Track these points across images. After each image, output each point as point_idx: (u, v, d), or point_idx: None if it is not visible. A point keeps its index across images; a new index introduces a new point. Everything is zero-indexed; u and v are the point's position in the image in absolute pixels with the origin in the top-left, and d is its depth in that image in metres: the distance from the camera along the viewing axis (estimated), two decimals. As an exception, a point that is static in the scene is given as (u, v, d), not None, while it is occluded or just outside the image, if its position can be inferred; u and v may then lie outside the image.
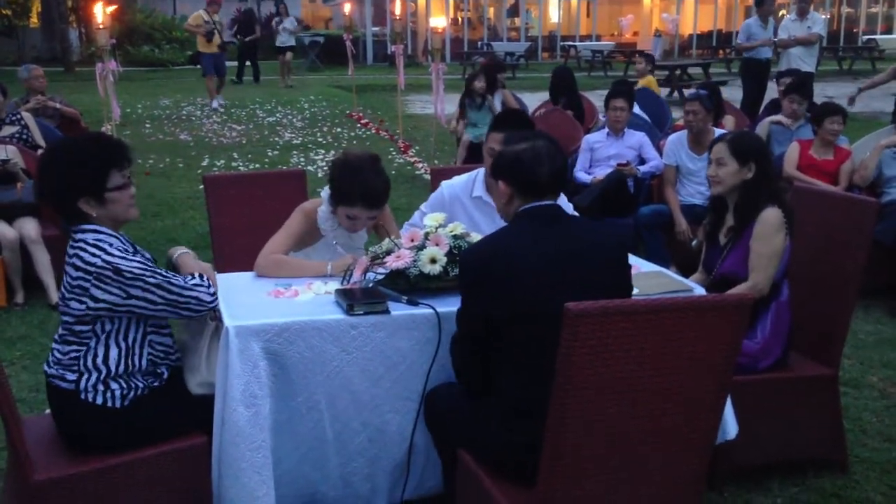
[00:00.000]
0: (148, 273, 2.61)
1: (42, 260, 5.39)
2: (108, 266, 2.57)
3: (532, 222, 2.54)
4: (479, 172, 3.62)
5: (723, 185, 3.37)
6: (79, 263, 2.60)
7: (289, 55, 19.64)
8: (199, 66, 15.81)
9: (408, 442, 2.91)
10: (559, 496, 2.27)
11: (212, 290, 2.74)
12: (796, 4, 10.18)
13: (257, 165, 9.90)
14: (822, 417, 3.38)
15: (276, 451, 2.75)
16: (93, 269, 2.57)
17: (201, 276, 2.77)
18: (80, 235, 2.66)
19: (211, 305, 2.73)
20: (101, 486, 2.60)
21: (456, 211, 3.57)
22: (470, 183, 3.62)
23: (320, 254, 3.36)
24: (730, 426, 3.05)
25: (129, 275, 2.58)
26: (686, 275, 5.09)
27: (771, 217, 3.24)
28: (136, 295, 2.59)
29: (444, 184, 3.65)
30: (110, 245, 2.62)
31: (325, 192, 3.31)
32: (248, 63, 19.68)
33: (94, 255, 2.58)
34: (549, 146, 2.62)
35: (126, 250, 2.66)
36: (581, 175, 6.27)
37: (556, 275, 2.44)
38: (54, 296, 5.31)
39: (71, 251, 2.65)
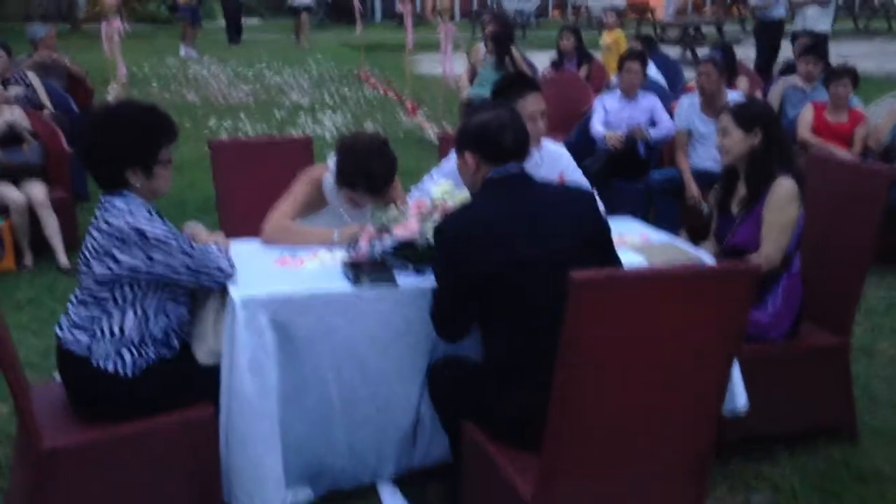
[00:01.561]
0: (171, 237, 2.62)
1: (50, 223, 5.38)
2: (132, 230, 2.58)
3: (502, 186, 2.62)
4: None
5: (730, 154, 3.32)
6: (104, 227, 2.62)
7: (304, 15, 19.19)
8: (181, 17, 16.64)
9: (414, 411, 2.91)
10: (565, 462, 2.26)
11: (230, 259, 2.76)
12: (811, -37, 9.98)
13: (265, 126, 9.84)
14: (833, 387, 3.37)
15: (283, 421, 2.75)
16: (117, 232, 2.59)
17: (218, 247, 2.77)
18: (110, 199, 2.67)
19: (230, 273, 2.75)
20: (109, 455, 2.62)
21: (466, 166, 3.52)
22: None
23: (327, 220, 3.32)
24: (739, 397, 3.04)
25: (153, 239, 2.59)
26: (697, 241, 5.07)
27: (784, 187, 3.19)
28: (159, 260, 2.60)
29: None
30: (138, 211, 2.64)
31: (332, 160, 3.27)
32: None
33: (118, 218, 2.61)
34: (511, 114, 2.72)
35: (150, 213, 2.67)
36: (597, 128, 6.17)
37: (532, 228, 2.52)
38: (62, 258, 5.32)
39: (98, 214, 2.67)
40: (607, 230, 2.69)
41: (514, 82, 3.54)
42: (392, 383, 2.86)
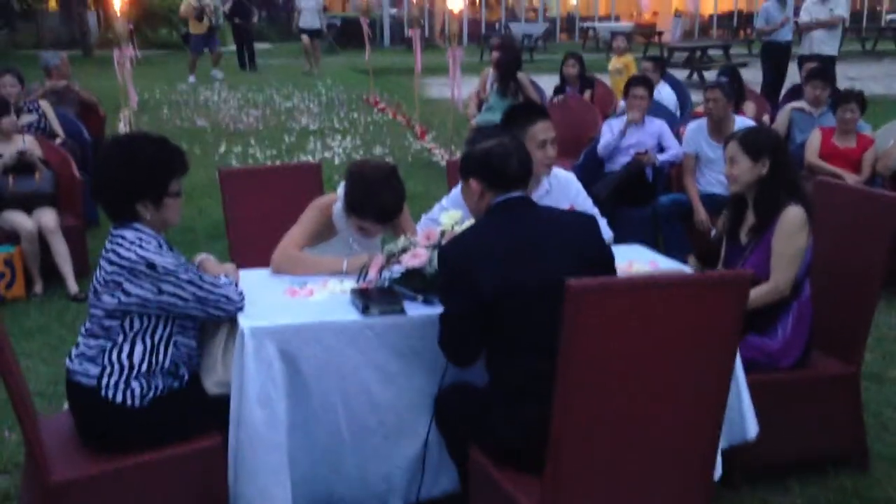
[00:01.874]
0: (181, 269, 2.65)
1: (60, 250, 5.41)
2: (141, 261, 2.61)
3: (506, 211, 2.68)
4: None
5: (738, 183, 3.32)
6: (114, 258, 2.64)
7: (305, 38, 18.60)
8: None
9: (423, 440, 2.90)
10: (567, 480, 2.26)
11: (240, 289, 2.79)
12: (818, -14, 10.02)
13: (274, 152, 9.89)
14: (843, 415, 3.35)
15: (292, 452, 2.75)
16: (127, 263, 2.61)
17: (228, 278, 2.80)
18: (119, 231, 2.70)
19: (239, 305, 2.77)
20: (117, 487, 2.62)
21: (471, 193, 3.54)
22: None
23: (336, 249, 3.34)
24: (750, 425, 3.02)
25: (161, 270, 2.61)
26: (706, 265, 5.06)
27: (793, 216, 3.19)
28: (168, 291, 2.62)
29: None
30: (147, 243, 2.66)
31: (342, 188, 3.29)
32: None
33: (129, 249, 2.63)
34: (514, 141, 2.79)
35: (161, 247, 2.69)
36: (604, 143, 6.18)
37: (533, 252, 2.57)
38: (73, 285, 5.34)
39: (108, 246, 2.70)
40: (609, 254, 2.73)
41: (524, 110, 3.57)
42: (400, 412, 2.86)
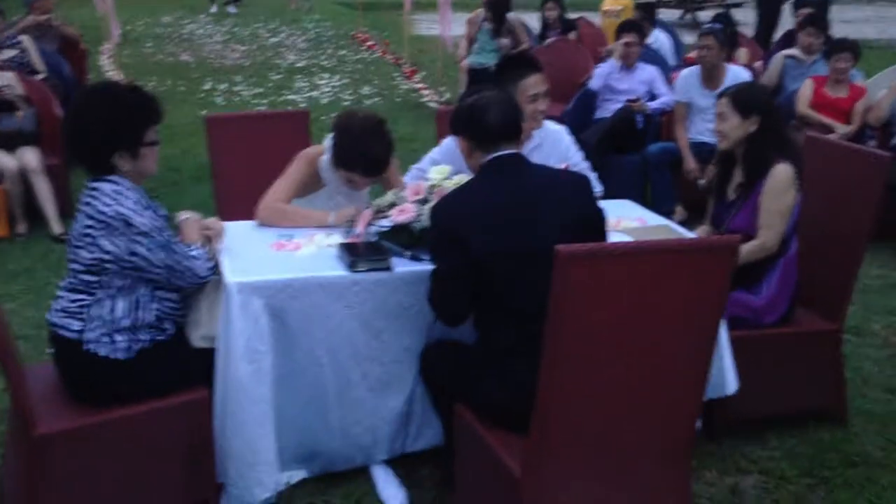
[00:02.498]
0: (155, 231, 2.61)
1: (43, 190, 5.35)
2: (119, 216, 2.57)
3: (496, 171, 2.64)
4: None
5: (727, 139, 3.30)
6: (90, 212, 2.60)
7: None
8: None
9: (408, 394, 2.93)
10: (553, 441, 2.29)
11: (209, 264, 2.75)
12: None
13: (260, 90, 9.74)
14: (824, 371, 3.39)
15: (277, 403, 2.77)
16: (103, 217, 2.57)
17: (203, 248, 2.76)
18: (97, 184, 2.65)
19: (204, 280, 2.74)
20: (104, 439, 2.62)
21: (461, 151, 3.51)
22: None
23: (323, 201, 3.31)
24: (730, 381, 3.06)
25: (136, 229, 2.57)
26: (693, 214, 5.06)
27: (782, 173, 3.18)
28: (139, 252, 2.59)
29: None
30: (126, 197, 2.62)
31: (328, 140, 3.25)
32: None
33: (107, 204, 2.58)
34: (498, 96, 2.73)
35: (139, 203, 2.64)
36: (596, 78, 6.10)
37: (524, 214, 2.54)
38: (56, 226, 5.30)
39: (85, 199, 2.65)
40: (601, 216, 2.70)
41: (515, 63, 3.51)
42: (386, 366, 2.87)
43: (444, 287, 2.63)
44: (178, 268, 2.66)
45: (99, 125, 2.61)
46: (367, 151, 3.12)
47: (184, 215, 2.93)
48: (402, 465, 3.04)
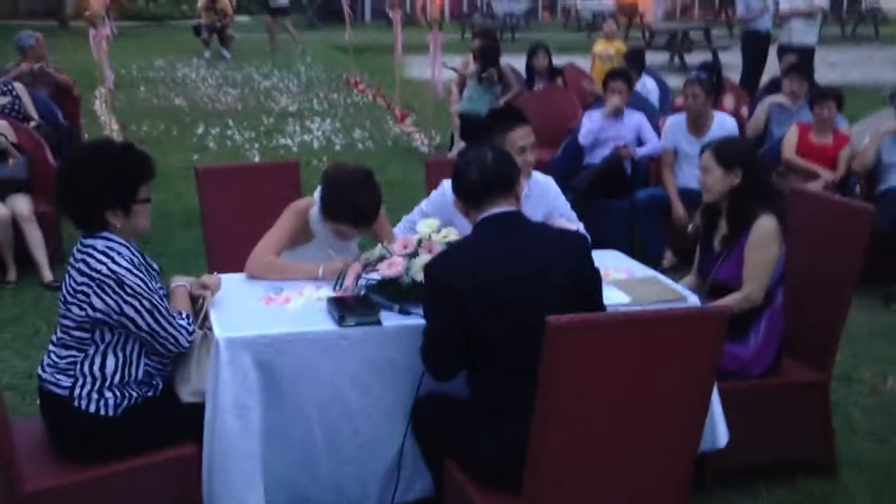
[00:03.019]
0: (146, 294, 2.62)
1: (34, 237, 5.36)
2: (112, 275, 2.58)
3: (491, 229, 2.64)
4: None
5: (711, 192, 3.36)
6: (84, 269, 2.61)
7: (286, 19, 18.09)
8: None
9: (398, 448, 2.92)
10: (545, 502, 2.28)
11: (191, 337, 2.76)
12: (798, -25, 10.03)
13: (252, 134, 9.81)
14: (812, 422, 3.40)
15: (266, 459, 2.76)
16: (97, 275, 2.59)
17: (188, 318, 2.78)
18: (89, 241, 2.67)
19: (184, 350, 2.75)
20: (91, 496, 2.62)
21: (457, 211, 3.54)
22: None
23: (313, 253, 3.33)
24: (720, 433, 3.07)
25: (129, 290, 2.59)
26: (682, 260, 5.09)
27: (765, 226, 3.22)
28: (127, 313, 2.61)
29: (446, 183, 3.56)
30: (119, 254, 2.63)
31: (318, 193, 3.28)
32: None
33: (100, 261, 2.60)
34: (481, 151, 2.74)
35: (133, 261, 2.65)
36: (585, 131, 6.15)
37: (520, 272, 2.53)
38: (47, 273, 5.30)
39: (78, 255, 2.66)
40: (597, 278, 2.70)
41: (503, 115, 3.57)
42: (376, 421, 2.87)
43: (437, 344, 2.63)
44: (162, 334, 2.68)
45: (92, 183, 2.63)
46: (356, 204, 3.15)
47: (176, 281, 2.93)
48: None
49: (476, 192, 2.66)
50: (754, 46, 10.50)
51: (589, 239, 2.78)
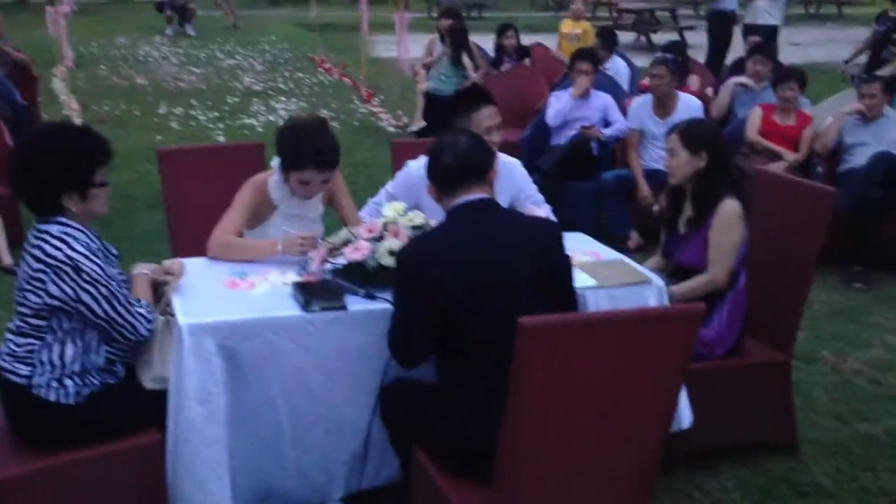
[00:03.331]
0: (103, 281, 2.58)
1: (-7, 220, 5.26)
2: (68, 261, 2.54)
3: (463, 215, 2.62)
4: None
5: (677, 175, 3.38)
6: (39, 255, 2.56)
7: None
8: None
9: (364, 433, 2.91)
10: (514, 495, 2.30)
11: (150, 326, 2.71)
12: (762, -44, 10.08)
13: (216, 114, 9.68)
14: (774, 402, 3.45)
15: (231, 445, 2.73)
16: (53, 261, 2.54)
17: (147, 306, 2.74)
18: (44, 227, 2.61)
19: (142, 339, 2.71)
20: (54, 485, 2.58)
21: (423, 192, 3.52)
22: None
23: (276, 229, 3.30)
24: (684, 415, 3.11)
25: (85, 276, 2.54)
26: (649, 241, 5.12)
27: (729, 209, 3.25)
28: (84, 300, 2.56)
29: (412, 164, 3.58)
30: (75, 240, 2.58)
31: (276, 161, 3.27)
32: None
33: (56, 248, 2.55)
34: (456, 137, 2.73)
35: (89, 247, 2.60)
36: (553, 112, 6.16)
37: (491, 260, 2.52)
38: (6, 257, 5.20)
39: (33, 241, 2.60)
40: (568, 266, 2.70)
41: (469, 96, 3.56)
42: (342, 407, 2.86)
43: (405, 330, 2.61)
44: (120, 321, 2.63)
45: (48, 167, 2.57)
46: (315, 144, 3.15)
47: (139, 269, 2.88)
48: (360, 501, 3.02)
49: (450, 178, 2.64)
50: (719, 26, 10.55)
51: (560, 227, 2.76)
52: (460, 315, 2.50)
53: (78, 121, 8.48)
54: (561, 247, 2.67)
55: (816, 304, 4.94)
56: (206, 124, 9.19)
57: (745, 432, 3.43)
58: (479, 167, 2.67)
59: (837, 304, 5.03)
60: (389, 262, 2.85)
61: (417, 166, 3.57)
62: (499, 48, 8.54)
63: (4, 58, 7.36)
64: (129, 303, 2.66)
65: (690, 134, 3.34)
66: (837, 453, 3.50)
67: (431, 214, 3.40)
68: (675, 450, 3.24)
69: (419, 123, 8.26)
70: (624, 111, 6.19)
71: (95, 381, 2.67)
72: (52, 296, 2.55)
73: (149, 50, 14.40)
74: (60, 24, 8.42)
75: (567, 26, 9.89)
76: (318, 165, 3.16)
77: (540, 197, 3.70)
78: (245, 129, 8.88)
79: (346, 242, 2.97)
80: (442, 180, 2.67)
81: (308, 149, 3.14)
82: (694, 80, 7.25)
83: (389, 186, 3.60)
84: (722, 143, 3.42)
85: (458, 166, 2.63)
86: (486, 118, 3.39)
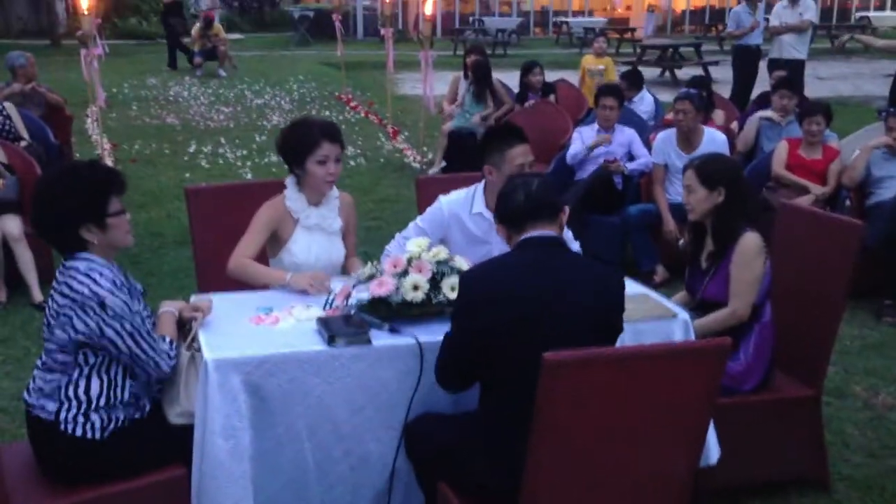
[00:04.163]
0: (127, 317, 2.61)
1: (25, 258, 5.33)
2: (94, 297, 2.57)
3: (530, 250, 2.61)
4: (478, 188, 3.60)
5: (695, 211, 3.37)
6: (66, 291, 2.60)
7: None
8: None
9: (389, 469, 2.90)
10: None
11: (172, 362, 2.74)
12: (788, -9, 10.11)
13: (245, 152, 9.80)
14: (805, 437, 3.39)
15: (256, 481, 2.73)
16: (79, 297, 2.58)
17: (171, 343, 2.77)
18: (71, 263, 2.66)
19: (165, 375, 2.75)
20: (79, 521, 2.59)
21: (453, 227, 3.56)
22: (469, 199, 3.58)
23: (300, 245, 3.47)
24: (712, 450, 3.06)
25: (111, 312, 2.58)
26: (675, 274, 5.09)
27: (750, 243, 3.23)
28: (108, 335, 2.59)
29: (443, 199, 3.61)
30: (101, 275, 2.62)
31: (289, 179, 3.49)
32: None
33: (82, 283, 2.59)
34: (527, 178, 2.74)
35: (115, 283, 2.64)
36: (572, 153, 6.18)
37: (548, 307, 2.48)
38: (37, 294, 5.27)
39: (60, 278, 2.65)
40: (621, 328, 2.65)
41: (503, 133, 3.57)
42: (366, 442, 2.85)
43: (454, 352, 2.61)
44: (143, 357, 2.66)
45: (60, 202, 2.63)
46: (318, 122, 3.45)
47: (166, 306, 2.92)
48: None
49: (521, 216, 2.63)
50: (744, 61, 10.56)
51: (623, 283, 2.69)
52: (507, 348, 2.48)
53: (109, 160, 8.63)
54: (621, 298, 2.62)
55: (847, 339, 4.88)
56: (234, 162, 9.31)
57: (775, 468, 3.37)
58: (551, 206, 2.68)
59: (868, 339, 4.95)
60: (413, 297, 2.86)
61: (448, 201, 3.60)
62: (524, 85, 8.60)
63: (38, 99, 7.53)
64: (152, 338, 2.69)
65: (707, 170, 3.33)
66: (871, 489, 3.44)
67: (457, 249, 3.43)
68: (704, 486, 3.20)
69: (440, 165, 8.33)
70: (648, 146, 6.20)
71: (121, 416, 2.69)
72: (77, 331, 2.58)
73: (179, 90, 14.65)
74: (93, 67, 8.58)
75: (589, 62, 10.01)
76: (329, 136, 3.37)
77: (569, 234, 3.69)
78: (272, 166, 8.97)
79: (371, 277, 2.98)
80: (513, 218, 2.66)
81: (314, 126, 3.41)
82: (719, 115, 7.26)
83: (419, 220, 3.64)
84: (739, 178, 3.41)
85: (531, 205, 2.63)
86: (518, 155, 3.40)
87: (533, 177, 2.75)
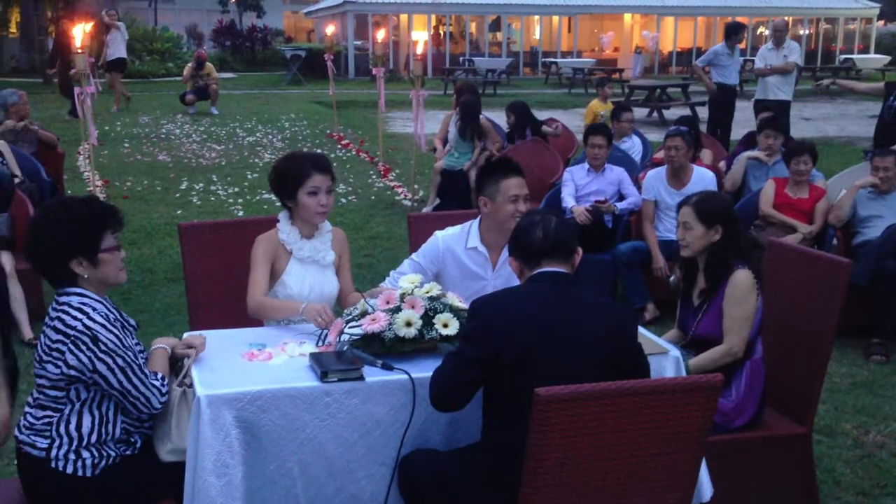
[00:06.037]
0: (119, 352, 2.61)
1: (16, 295, 5.31)
2: (87, 331, 2.57)
3: (542, 284, 2.66)
4: (473, 224, 3.64)
5: (690, 248, 3.40)
6: (59, 326, 2.60)
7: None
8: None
9: (381, 505, 2.89)
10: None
11: (164, 398, 2.74)
12: (773, 34, 10.29)
13: (236, 189, 9.84)
14: (796, 475, 3.40)
15: (248, 517, 2.72)
16: (72, 332, 2.58)
17: (163, 379, 2.77)
18: (64, 298, 2.66)
19: (155, 412, 2.74)
20: (68, 559, 2.57)
21: (449, 262, 3.58)
22: (464, 234, 3.62)
23: (294, 277, 3.48)
24: (704, 488, 3.05)
25: (103, 346, 2.57)
26: (665, 312, 5.11)
27: (742, 280, 3.27)
28: (100, 370, 2.59)
29: (439, 234, 3.65)
30: (94, 310, 2.62)
31: (282, 214, 3.54)
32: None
33: (75, 318, 2.59)
34: (544, 214, 2.79)
35: (108, 317, 2.64)
36: (567, 201, 6.24)
37: (558, 341, 2.51)
38: (27, 331, 5.25)
39: (53, 314, 2.65)
40: (640, 353, 2.68)
41: (499, 165, 3.62)
42: (359, 479, 2.84)
43: (454, 370, 2.62)
44: (134, 393, 2.65)
45: (54, 234, 2.64)
46: (308, 155, 3.53)
47: (158, 343, 2.92)
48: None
49: (537, 252, 2.67)
50: (721, 98, 10.69)
51: (635, 317, 2.75)
52: (513, 378, 2.50)
53: (101, 196, 8.64)
54: (634, 336, 2.65)
55: (836, 377, 4.90)
56: (226, 199, 9.33)
57: (767, 506, 3.38)
58: (567, 246, 2.72)
59: (858, 377, 4.97)
60: (406, 332, 2.87)
61: (444, 236, 3.64)
62: (511, 128, 8.74)
63: (31, 136, 7.56)
64: (144, 374, 2.68)
65: (705, 207, 3.37)
66: (862, 529, 3.44)
67: (452, 284, 3.46)
68: (696, 524, 3.21)
69: (434, 203, 8.39)
70: (637, 185, 6.26)
71: (112, 453, 2.68)
72: (69, 366, 2.58)
73: (171, 128, 14.71)
74: (86, 105, 8.65)
75: (599, 107, 10.23)
76: (319, 167, 3.43)
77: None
78: (264, 203, 9.01)
79: (364, 314, 2.99)
80: (529, 253, 2.69)
81: (304, 158, 3.48)
82: (707, 154, 7.35)
83: (415, 256, 3.67)
84: (734, 216, 3.46)
85: (548, 242, 2.68)
86: (513, 187, 3.46)
87: (551, 215, 2.79)
